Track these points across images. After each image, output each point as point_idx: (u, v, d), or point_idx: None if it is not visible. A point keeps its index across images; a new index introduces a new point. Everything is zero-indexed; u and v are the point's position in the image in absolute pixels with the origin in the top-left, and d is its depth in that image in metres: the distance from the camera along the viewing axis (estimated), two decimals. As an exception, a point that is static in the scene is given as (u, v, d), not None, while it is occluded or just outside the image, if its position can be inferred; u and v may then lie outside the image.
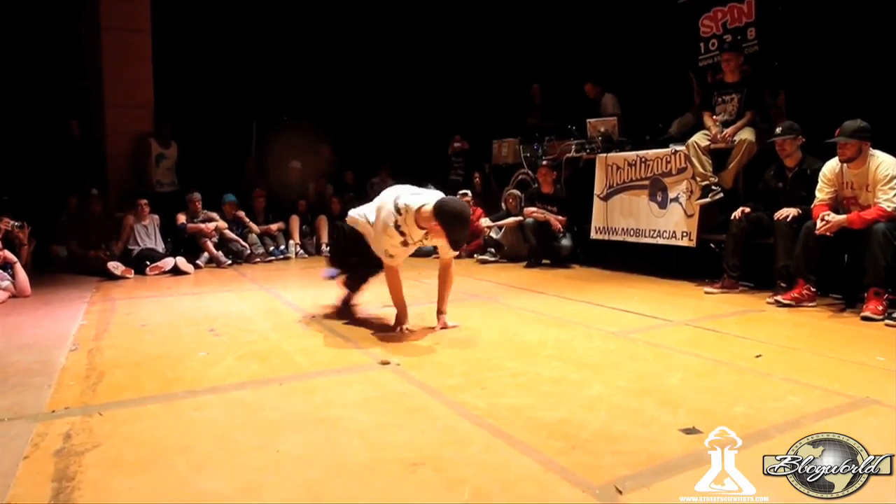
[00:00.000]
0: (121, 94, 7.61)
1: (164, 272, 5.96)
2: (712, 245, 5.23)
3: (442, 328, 3.34)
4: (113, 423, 2.02)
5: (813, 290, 3.92)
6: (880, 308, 3.50)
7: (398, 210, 3.09)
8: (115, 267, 5.68)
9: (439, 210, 2.96)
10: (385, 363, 2.68)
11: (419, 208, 3.04)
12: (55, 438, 1.88)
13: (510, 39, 8.47)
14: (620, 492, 1.52)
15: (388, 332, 3.29)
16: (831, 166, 3.95)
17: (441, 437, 1.87)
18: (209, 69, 8.45)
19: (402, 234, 3.13)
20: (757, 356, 2.78)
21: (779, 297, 3.98)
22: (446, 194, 3.21)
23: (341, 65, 9.57)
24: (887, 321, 3.41)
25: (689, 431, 1.90)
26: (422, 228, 3.10)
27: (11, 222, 4.91)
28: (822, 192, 3.98)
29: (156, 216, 6.58)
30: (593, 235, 6.14)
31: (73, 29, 8.11)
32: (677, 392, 2.29)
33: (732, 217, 4.55)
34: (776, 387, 2.35)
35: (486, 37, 8.79)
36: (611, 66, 6.96)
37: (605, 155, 6.02)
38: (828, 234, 3.74)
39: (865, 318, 3.49)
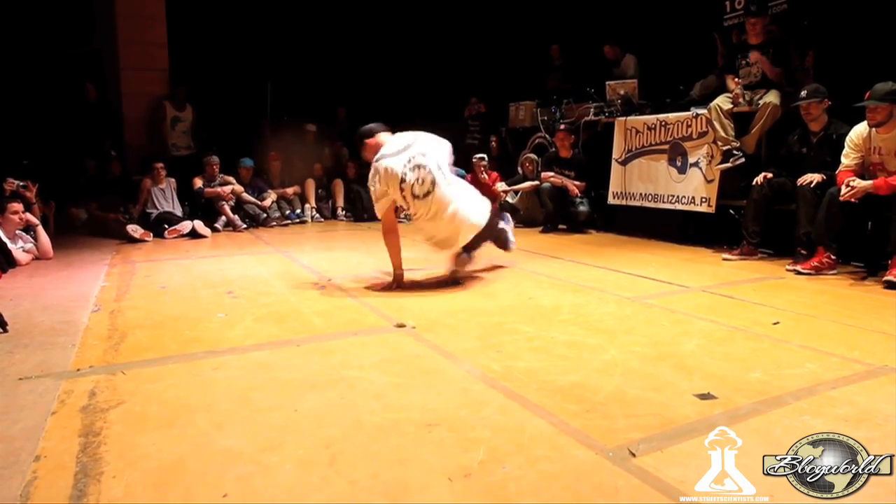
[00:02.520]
0: (136, 56, 7.59)
1: (182, 235, 6.03)
2: (732, 211, 5.15)
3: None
4: (135, 381, 2.07)
5: (833, 258, 3.86)
6: (904, 275, 3.44)
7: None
8: (135, 230, 5.75)
9: None
10: (401, 326, 2.70)
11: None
12: (81, 395, 1.93)
13: (529, -1, 8.26)
14: (634, 455, 1.53)
15: (403, 294, 3.31)
16: (859, 131, 3.84)
17: (456, 399, 1.90)
18: (224, 30, 8.36)
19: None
20: (774, 323, 2.75)
21: (798, 266, 3.92)
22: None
23: (357, 26, 9.41)
24: (911, 289, 3.36)
25: (704, 397, 1.90)
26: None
27: (15, 182, 4.95)
28: (847, 158, 3.87)
29: (172, 179, 6.60)
30: (611, 200, 6.07)
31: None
32: (693, 357, 2.29)
33: (754, 182, 4.46)
34: (793, 354, 2.34)
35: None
36: (632, 26, 6.76)
37: (624, 118, 5.91)
38: (852, 200, 3.66)
39: (888, 283, 3.43)
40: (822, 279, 3.77)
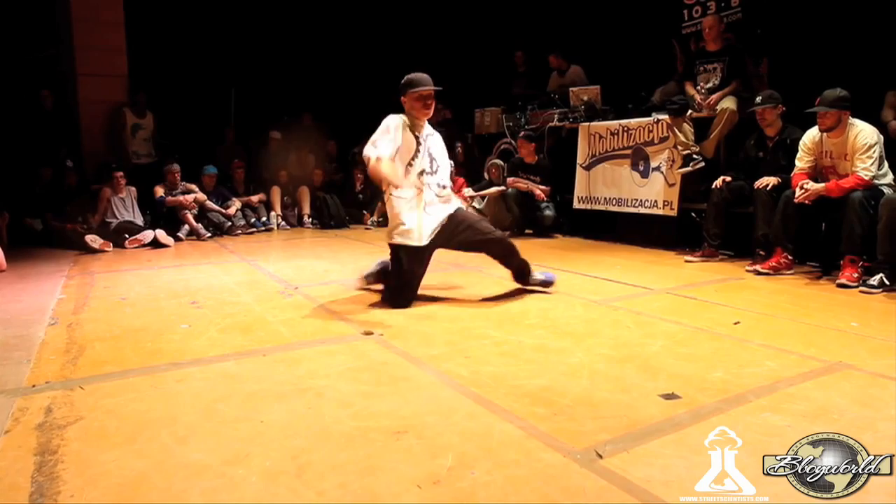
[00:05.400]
0: (93, 62, 7.38)
1: (144, 245, 5.89)
2: (693, 214, 5.27)
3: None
4: (95, 396, 2.01)
5: (790, 258, 3.98)
6: (855, 275, 3.57)
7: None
8: (94, 240, 5.59)
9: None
10: (368, 333, 2.69)
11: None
12: (36, 413, 1.86)
13: (493, 5, 8.33)
14: (601, 456, 1.55)
15: (371, 301, 3.30)
16: (811, 135, 3.98)
17: (424, 406, 1.89)
18: (185, 35, 8.21)
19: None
20: (735, 323, 2.83)
21: (757, 267, 4.04)
22: None
23: (322, 32, 9.35)
24: (861, 288, 3.48)
25: (669, 397, 1.94)
26: (416, 118, 3.60)
27: None
28: (801, 161, 4.01)
29: (133, 188, 6.45)
30: (576, 205, 6.16)
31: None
32: (657, 359, 2.33)
33: (713, 186, 4.58)
34: (753, 352, 2.40)
35: (470, 3, 8.63)
36: (593, 33, 6.89)
37: (587, 124, 6.00)
38: (806, 202, 3.79)
39: (841, 286, 3.56)
40: (780, 279, 3.89)
